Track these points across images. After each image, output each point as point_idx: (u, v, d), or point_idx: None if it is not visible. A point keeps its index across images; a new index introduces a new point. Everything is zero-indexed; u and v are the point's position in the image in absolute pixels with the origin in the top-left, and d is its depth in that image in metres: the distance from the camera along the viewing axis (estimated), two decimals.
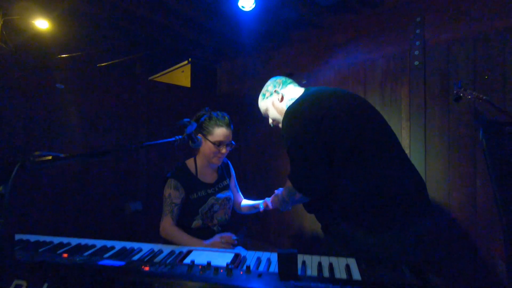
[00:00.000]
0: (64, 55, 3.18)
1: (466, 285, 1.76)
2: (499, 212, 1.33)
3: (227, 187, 1.60)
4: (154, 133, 2.80)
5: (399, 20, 2.12)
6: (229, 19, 2.56)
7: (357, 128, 1.12)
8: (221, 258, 0.89)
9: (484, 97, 1.54)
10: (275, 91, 1.39)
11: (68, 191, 2.25)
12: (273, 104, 1.38)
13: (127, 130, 2.65)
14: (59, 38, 2.96)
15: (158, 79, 4.40)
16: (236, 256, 0.90)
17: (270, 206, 1.50)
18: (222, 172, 1.61)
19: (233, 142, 1.51)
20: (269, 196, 1.55)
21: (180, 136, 1.03)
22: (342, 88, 1.31)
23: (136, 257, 0.95)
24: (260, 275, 0.74)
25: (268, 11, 2.39)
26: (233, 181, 1.70)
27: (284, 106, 1.34)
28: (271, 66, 2.99)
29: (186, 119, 1.03)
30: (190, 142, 1.12)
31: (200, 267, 0.74)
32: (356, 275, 0.84)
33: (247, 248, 1.39)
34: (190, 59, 4.05)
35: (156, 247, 1.02)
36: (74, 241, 1.08)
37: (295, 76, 2.65)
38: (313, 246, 2.53)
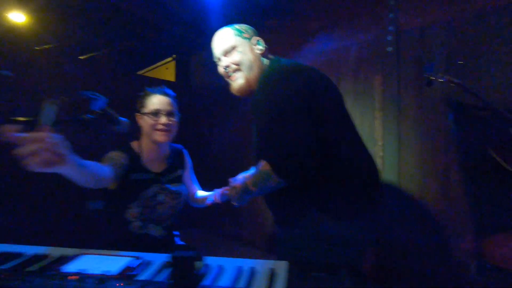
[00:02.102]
0: (42, 47, 2.98)
1: (437, 282, 1.63)
2: (469, 201, 1.20)
3: (179, 179, 1.42)
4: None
5: (372, 4, 1.99)
6: (200, 6, 2.43)
7: (341, 106, 1.10)
8: (116, 265, 0.72)
9: (456, 81, 1.40)
10: (257, 39, 1.19)
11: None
12: (250, 49, 1.16)
13: None
14: (37, 30, 2.79)
15: (146, 74, 4.26)
16: (134, 262, 0.74)
17: (219, 199, 1.32)
18: (174, 162, 1.43)
19: (177, 112, 1.34)
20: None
21: (89, 115, 0.83)
22: None
23: (8, 265, 0.75)
24: (145, 286, 0.58)
25: None
26: (188, 172, 1.52)
27: (260, 63, 1.16)
28: None
29: (87, 92, 0.82)
30: (108, 123, 0.93)
31: (68, 277, 0.58)
32: (280, 283, 0.68)
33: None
34: (174, 55, 3.90)
35: (45, 250, 0.83)
36: None
37: None
38: None
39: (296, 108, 0.96)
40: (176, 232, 1.45)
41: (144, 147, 1.34)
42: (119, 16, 2.63)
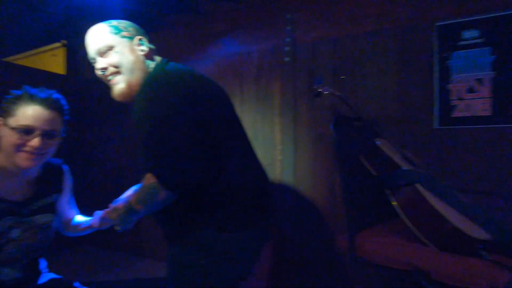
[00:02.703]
0: None
1: (320, 277, 1.82)
2: (347, 201, 1.36)
3: (49, 208, 1.10)
4: None
5: (273, 15, 2.08)
6: None
7: (231, 114, 1.07)
8: None
9: (337, 93, 1.58)
10: (139, 38, 1.06)
11: None
12: (131, 50, 1.04)
13: None
14: None
15: (21, 62, 3.37)
16: None
17: (97, 225, 1.10)
18: (46, 186, 1.11)
19: (61, 132, 1.03)
20: None
21: None
22: (218, 80, 1.13)
23: None
24: None
25: None
26: (66, 196, 1.21)
27: (144, 66, 1.04)
28: None
29: None
30: None
31: None
32: None
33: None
34: (65, 41, 3.24)
35: None
36: None
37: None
38: None
39: (179, 115, 0.90)
40: (42, 265, 1.17)
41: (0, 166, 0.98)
42: None
